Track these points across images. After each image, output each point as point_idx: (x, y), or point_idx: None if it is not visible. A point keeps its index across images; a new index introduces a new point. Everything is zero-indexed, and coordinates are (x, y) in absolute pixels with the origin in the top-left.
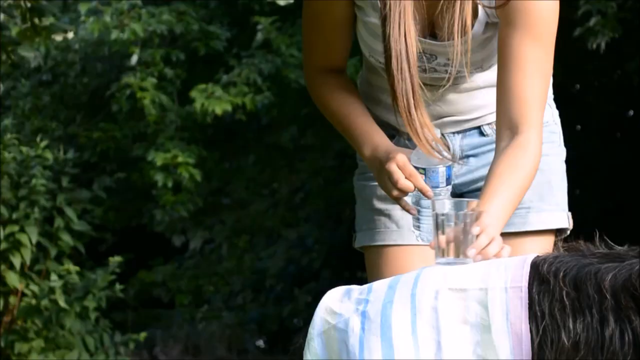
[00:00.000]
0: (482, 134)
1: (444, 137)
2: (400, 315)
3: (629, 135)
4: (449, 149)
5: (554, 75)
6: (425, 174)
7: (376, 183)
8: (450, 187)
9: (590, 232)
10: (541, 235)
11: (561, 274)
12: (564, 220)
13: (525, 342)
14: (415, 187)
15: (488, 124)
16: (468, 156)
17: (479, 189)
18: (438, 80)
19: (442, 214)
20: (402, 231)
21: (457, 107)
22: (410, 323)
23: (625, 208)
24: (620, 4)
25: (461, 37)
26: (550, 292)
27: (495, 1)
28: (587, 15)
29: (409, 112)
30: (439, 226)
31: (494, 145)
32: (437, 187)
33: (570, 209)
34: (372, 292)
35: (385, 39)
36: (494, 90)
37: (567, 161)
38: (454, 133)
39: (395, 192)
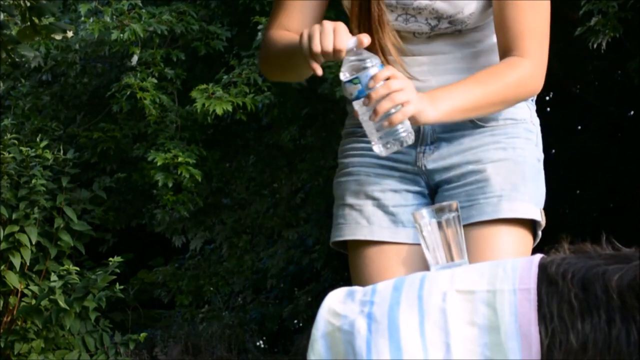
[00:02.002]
0: None
1: None
2: (408, 317)
3: (629, 135)
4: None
5: (554, 75)
6: (360, 82)
7: (349, 178)
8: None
9: (591, 232)
10: (515, 226)
11: (569, 275)
12: (536, 213)
13: (535, 343)
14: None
15: None
16: (440, 139)
17: (452, 180)
18: (419, 34)
19: (426, 221)
20: (373, 227)
21: (430, 86)
22: (418, 325)
23: (625, 208)
24: (621, 3)
25: None
26: (559, 293)
27: None
28: (588, 15)
29: (369, 33)
30: (425, 234)
31: (467, 131)
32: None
33: (570, 209)
34: (377, 293)
35: None
36: (469, 71)
37: (567, 161)
38: None
39: (316, 45)
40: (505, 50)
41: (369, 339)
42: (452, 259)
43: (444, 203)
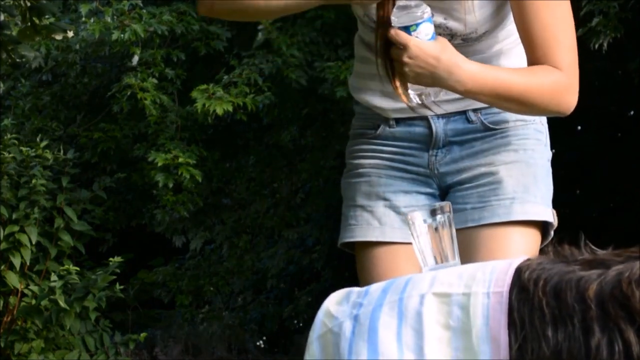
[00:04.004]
0: (467, 120)
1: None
2: (387, 320)
3: (629, 135)
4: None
5: None
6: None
7: (360, 179)
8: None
9: (591, 232)
10: (527, 227)
11: (541, 282)
12: (548, 214)
13: (504, 347)
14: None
15: (474, 110)
16: (451, 143)
17: (464, 182)
18: None
19: (417, 224)
20: (384, 228)
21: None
22: (396, 327)
23: (625, 208)
24: (622, 4)
25: None
26: (530, 300)
27: None
28: (589, 15)
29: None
30: (416, 236)
31: (478, 135)
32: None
33: (570, 209)
34: (368, 295)
35: None
36: None
37: (567, 161)
38: (438, 116)
39: None
40: (537, 64)
41: (351, 341)
42: (443, 261)
43: (437, 204)
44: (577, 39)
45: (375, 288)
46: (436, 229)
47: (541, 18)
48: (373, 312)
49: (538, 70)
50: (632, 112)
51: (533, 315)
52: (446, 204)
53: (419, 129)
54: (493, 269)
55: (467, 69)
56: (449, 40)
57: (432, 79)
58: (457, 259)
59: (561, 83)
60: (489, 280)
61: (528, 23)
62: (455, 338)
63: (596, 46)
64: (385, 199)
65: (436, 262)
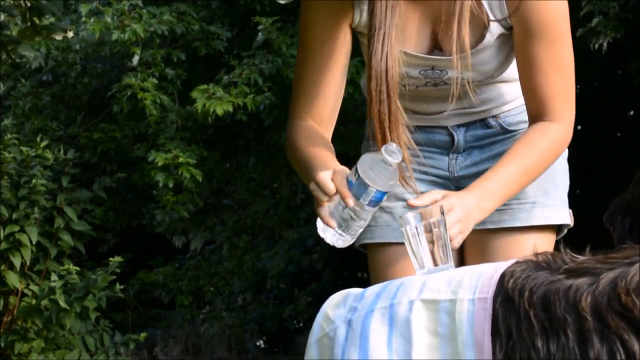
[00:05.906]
0: (486, 126)
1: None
2: (378, 326)
3: (629, 135)
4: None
5: None
6: (356, 180)
7: None
8: (373, 210)
9: (591, 232)
10: (544, 231)
11: (526, 293)
12: (566, 216)
13: (487, 354)
14: (336, 190)
15: (493, 116)
16: (472, 147)
17: None
18: (449, 92)
19: (410, 226)
20: None
21: (463, 102)
22: (386, 334)
23: None
24: (622, 4)
25: (460, 53)
26: (516, 311)
27: (508, 6)
28: (589, 16)
29: (384, 134)
30: (410, 239)
31: (498, 137)
32: (359, 199)
33: (570, 209)
34: (363, 299)
35: (368, 59)
36: (502, 84)
37: (567, 161)
38: (458, 126)
39: (313, 188)
40: (536, 115)
41: (344, 347)
42: (437, 264)
43: (429, 207)
44: (577, 39)
45: (370, 292)
46: (429, 232)
47: (544, 71)
48: (365, 317)
49: (539, 138)
50: (632, 112)
51: (520, 326)
52: (440, 207)
53: (439, 136)
54: (480, 275)
55: (488, 193)
56: (467, 85)
57: (468, 225)
58: (451, 262)
59: (560, 137)
60: (474, 287)
61: (531, 76)
62: (443, 345)
63: (596, 46)
64: (404, 200)
65: (429, 265)
